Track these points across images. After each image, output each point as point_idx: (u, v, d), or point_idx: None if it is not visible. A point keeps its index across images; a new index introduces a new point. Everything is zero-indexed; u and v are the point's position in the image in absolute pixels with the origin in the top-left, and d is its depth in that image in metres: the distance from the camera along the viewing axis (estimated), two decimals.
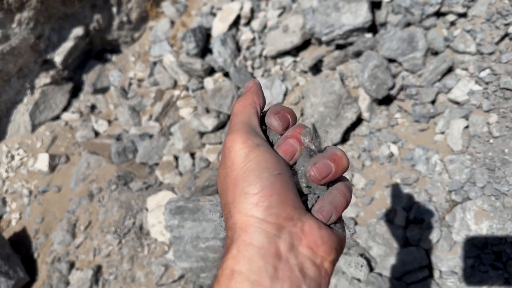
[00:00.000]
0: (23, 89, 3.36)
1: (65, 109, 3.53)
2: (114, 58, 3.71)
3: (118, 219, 2.46)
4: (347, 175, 2.33)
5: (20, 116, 3.36)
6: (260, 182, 0.47)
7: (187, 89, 3.18)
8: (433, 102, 2.29)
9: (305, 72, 2.76)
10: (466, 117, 2.12)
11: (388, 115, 2.41)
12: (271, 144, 0.55)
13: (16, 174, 3.19)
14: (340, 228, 0.52)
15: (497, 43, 2.11)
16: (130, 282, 2.18)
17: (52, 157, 3.12)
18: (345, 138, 2.49)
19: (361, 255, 2.00)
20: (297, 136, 0.53)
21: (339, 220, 0.53)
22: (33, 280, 2.54)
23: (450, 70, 2.29)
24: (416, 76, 2.35)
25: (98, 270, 2.29)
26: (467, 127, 2.09)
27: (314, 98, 2.41)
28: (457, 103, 2.20)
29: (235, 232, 0.47)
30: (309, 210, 0.51)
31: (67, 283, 2.34)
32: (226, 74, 3.02)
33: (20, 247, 2.77)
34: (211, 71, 3.08)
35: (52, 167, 3.11)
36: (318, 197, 0.53)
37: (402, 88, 2.37)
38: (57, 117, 3.48)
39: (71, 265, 2.41)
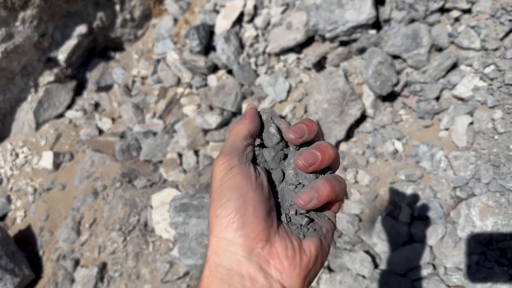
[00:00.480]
0: (27, 87, 3.37)
1: (69, 107, 3.54)
2: (117, 56, 3.72)
3: (123, 216, 2.47)
4: (351, 172, 2.33)
5: (24, 114, 3.37)
6: (231, 204, 0.48)
7: (190, 86, 3.18)
8: (437, 98, 2.29)
9: (309, 69, 2.75)
10: (470, 113, 2.11)
11: (392, 111, 2.41)
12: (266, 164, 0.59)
13: (21, 172, 3.20)
14: (319, 230, 0.53)
15: (502, 39, 2.10)
16: (135, 279, 2.19)
17: (56, 155, 3.13)
18: (349, 135, 2.49)
19: (366, 251, 2.00)
20: (307, 123, 0.58)
21: (322, 214, 0.55)
22: (38, 278, 2.55)
23: (454, 66, 2.28)
24: (420, 73, 2.34)
25: (103, 267, 2.30)
26: (471, 123, 2.08)
27: (318, 95, 2.41)
28: (461, 99, 2.19)
29: (208, 253, 0.49)
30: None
31: (72, 280, 2.35)
32: (230, 72, 3.02)
33: (25, 245, 2.78)
34: (214, 69, 3.08)
35: (57, 165, 3.12)
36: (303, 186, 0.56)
37: (406, 85, 2.36)
38: (61, 115, 3.49)
39: (76, 263, 2.42)
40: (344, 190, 0.56)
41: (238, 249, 0.47)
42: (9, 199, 3.09)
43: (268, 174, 0.57)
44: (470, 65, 2.20)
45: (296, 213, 0.54)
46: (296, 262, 0.48)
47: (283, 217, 0.54)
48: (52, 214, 2.84)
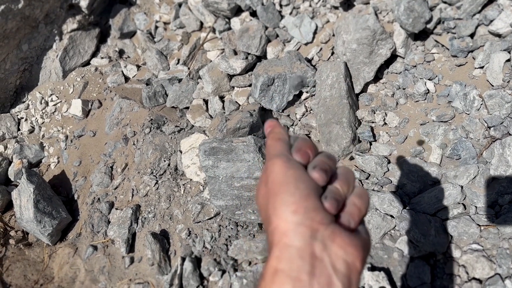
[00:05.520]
0: (52, 35, 3.36)
1: (94, 54, 3.53)
2: (138, 1, 3.64)
3: (154, 161, 2.52)
4: (379, 114, 2.29)
5: (51, 63, 3.39)
6: (298, 192, 0.56)
7: (213, 30, 3.12)
8: (472, 35, 2.19)
9: (336, 7, 2.65)
10: (508, 50, 2.02)
11: (424, 50, 2.32)
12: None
13: (51, 120, 3.27)
14: (364, 233, 0.60)
15: None
16: (168, 220, 2.27)
17: (85, 103, 3.17)
18: (378, 76, 2.43)
19: (394, 192, 2.00)
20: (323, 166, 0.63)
21: (362, 225, 0.62)
22: (75, 220, 2.66)
23: (491, 0, 2.16)
24: (454, 8, 2.23)
25: (137, 209, 2.38)
26: (508, 60, 2.00)
27: (346, 35, 2.33)
28: (498, 35, 2.09)
29: (276, 236, 0.54)
30: None
31: (108, 221, 2.45)
32: (253, 14, 2.94)
33: (61, 190, 2.89)
34: (237, 11, 2.99)
35: (86, 112, 3.17)
36: None
37: (439, 22, 2.26)
38: (87, 63, 3.50)
39: (111, 205, 2.51)
40: (368, 200, 0.65)
41: (306, 230, 0.53)
42: (42, 146, 3.18)
43: None
44: None
45: None
46: (355, 241, 0.54)
47: None
48: (85, 159, 2.92)
